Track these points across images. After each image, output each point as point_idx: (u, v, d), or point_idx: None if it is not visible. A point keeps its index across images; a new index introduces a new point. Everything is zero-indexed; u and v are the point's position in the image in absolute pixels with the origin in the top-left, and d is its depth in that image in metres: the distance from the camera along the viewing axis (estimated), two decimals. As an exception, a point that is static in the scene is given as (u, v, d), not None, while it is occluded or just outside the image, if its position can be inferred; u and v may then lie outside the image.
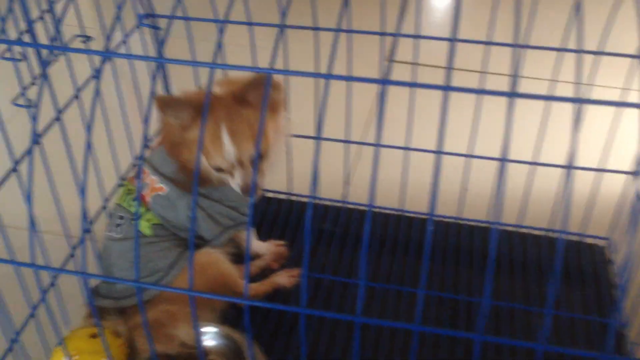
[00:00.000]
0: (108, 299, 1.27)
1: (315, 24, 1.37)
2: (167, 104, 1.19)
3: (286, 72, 0.81)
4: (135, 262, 0.77)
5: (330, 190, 1.71)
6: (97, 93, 1.34)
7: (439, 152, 0.74)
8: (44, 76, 1.12)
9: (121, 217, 1.32)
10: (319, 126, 0.75)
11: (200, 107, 1.19)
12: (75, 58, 1.11)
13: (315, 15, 1.36)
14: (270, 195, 1.73)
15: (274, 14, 1.16)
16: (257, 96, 1.19)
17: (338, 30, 1.35)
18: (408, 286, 1.48)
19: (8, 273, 0.92)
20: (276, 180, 1.70)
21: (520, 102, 0.75)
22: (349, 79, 0.76)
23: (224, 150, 1.19)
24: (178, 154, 1.28)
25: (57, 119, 1.10)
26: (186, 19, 1.36)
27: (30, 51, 1.11)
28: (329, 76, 0.75)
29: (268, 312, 1.42)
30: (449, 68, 0.74)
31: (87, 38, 1.05)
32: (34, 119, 1.11)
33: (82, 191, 1.21)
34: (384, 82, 0.75)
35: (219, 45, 1.12)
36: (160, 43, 1.44)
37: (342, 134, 1.58)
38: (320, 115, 0.76)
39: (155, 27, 1.42)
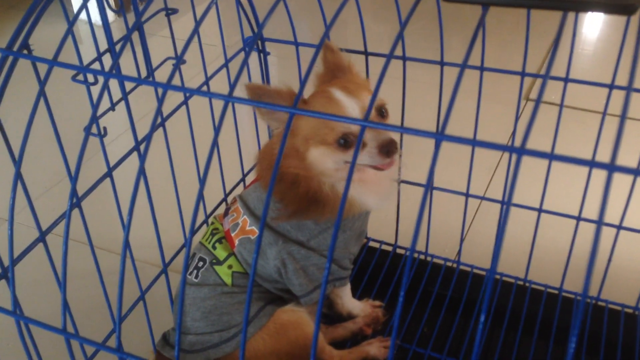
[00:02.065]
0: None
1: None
2: (259, 93, 1.01)
3: (389, 127, 0.62)
4: (176, 344, 0.61)
5: (446, 248, 1.49)
6: (190, 122, 1.23)
7: (598, 222, 0.51)
8: (127, 106, 1.00)
9: (201, 259, 1.18)
10: (430, 174, 0.56)
11: (294, 94, 1.01)
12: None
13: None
14: (374, 244, 1.53)
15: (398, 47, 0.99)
16: (338, 58, 1.10)
17: (473, 67, 1.15)
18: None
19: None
20: (383, 229, 1.51)
21: None
22: (468, 142, 0.56)
23: (345, 108, 1.01)
24: (282, 174, 1.07)
25: (136, 149, 0.98)
26: (295, 44, 1.21)
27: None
28: (442, 137, 0.56)
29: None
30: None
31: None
32: (104, 150, 1.00)
33: (157, 233, 1.07)
34: (519, 151, 0.54)
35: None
36: (265, 67, 1.30)
37: (463, 187, 1.36)
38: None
39: (262, 51, 1.28)
